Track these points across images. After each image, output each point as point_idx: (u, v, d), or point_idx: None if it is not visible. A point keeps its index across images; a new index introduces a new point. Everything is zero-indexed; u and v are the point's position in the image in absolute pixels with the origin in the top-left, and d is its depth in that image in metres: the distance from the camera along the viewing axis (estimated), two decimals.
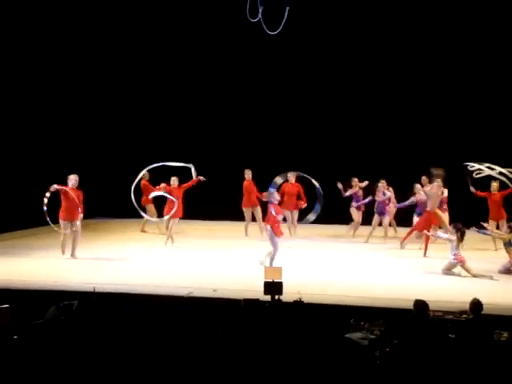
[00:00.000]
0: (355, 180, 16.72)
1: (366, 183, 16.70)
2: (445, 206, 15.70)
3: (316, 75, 19.32)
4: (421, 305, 8.58)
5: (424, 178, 15.98)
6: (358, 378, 7.28)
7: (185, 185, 15.64)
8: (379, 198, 16.32)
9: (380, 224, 16.52)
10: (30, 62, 18.33)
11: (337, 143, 19.30)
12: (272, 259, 12.83)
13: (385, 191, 16.36)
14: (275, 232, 12.83)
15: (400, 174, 17.08)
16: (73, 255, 13.97)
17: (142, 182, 16.66)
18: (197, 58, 19.84)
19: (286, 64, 19.28)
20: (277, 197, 13.26)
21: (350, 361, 7.60)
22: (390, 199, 16.48)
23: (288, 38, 16.96)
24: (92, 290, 9.82)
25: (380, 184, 16.38)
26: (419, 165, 16.63)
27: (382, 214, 16.39)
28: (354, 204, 16.63)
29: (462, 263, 12.63)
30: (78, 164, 18.98)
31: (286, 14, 14.65)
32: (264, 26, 14.84)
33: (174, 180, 15.63)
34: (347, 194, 16.61)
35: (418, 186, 15.93)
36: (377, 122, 19.13)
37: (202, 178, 15.67)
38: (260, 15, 14.62)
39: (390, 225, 16.77)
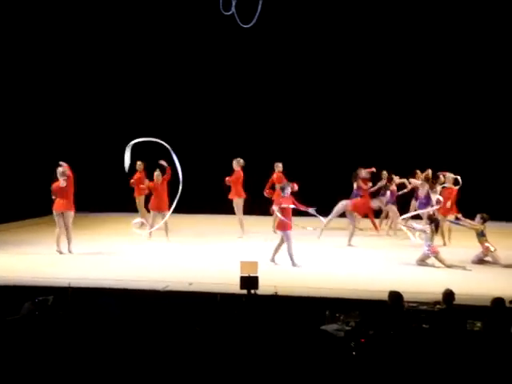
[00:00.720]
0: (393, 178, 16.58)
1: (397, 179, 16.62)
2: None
3: (313, 67, 19.37)
4: (395, 296, 8.66)
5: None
6: (334, 370, 7.33)
7: (165, 177, 15.52)
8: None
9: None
10: (30, 57, 18.47)
11: (336, 135, 19.39)
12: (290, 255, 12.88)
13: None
14: (285, 225, 12.82)
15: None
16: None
17: (137, 174, 16.52)
18: (183, 53, 19.82)
19: (281, 54, 19.33)
20: (290, 189, 13.17)
21: (326, 352, 7.65)
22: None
23: (279, 28, 17.10)
24: (67, 285, 9.79)
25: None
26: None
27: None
28: (385, 198, 16.27)
29: (435, 254, 12.75)
30: (68, 157, 19.06)
31: (260, 7, 14.65)
32: (237, 19, 14.82)
33: (158, 175, 15.51)
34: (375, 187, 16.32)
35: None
36: (378, 111, 19.25)
37: (163, 162, 15.34)
38: (233, 8, 14.59)
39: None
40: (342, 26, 18.86)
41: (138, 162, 16.33)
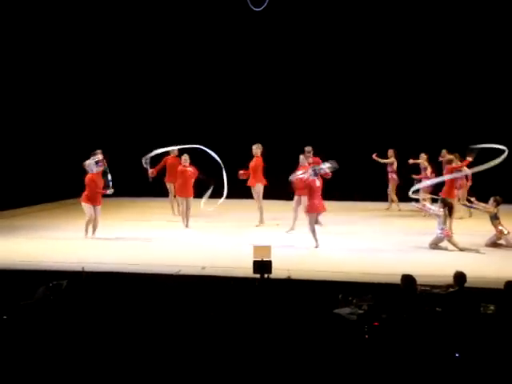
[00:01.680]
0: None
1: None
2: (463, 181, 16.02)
3: (326, 53, 19.32)
4: (408, 279, 8.65)
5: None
6: (347, 353, 7.34)
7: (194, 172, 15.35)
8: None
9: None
10: (40, 55, 18.60)
11: (349, 119, 19.35)
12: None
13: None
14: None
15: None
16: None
17: (170, 158, 16.33)
18: (195, 40, 19.82)
19: (277, 41, 19.25)
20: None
21: (339, 336, 7.66)
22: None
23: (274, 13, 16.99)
24: (81, 269, 9.84)
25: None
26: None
27: None
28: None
29: (448, 237, 12.72)
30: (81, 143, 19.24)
31: None
32: (249, 3, 14.80)
33: (186, 160, 15.22)
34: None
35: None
36: (391, 95, 19.20)
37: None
38: None
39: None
40: (353, 16, 18.83)
41: (172, 148, 16.13)
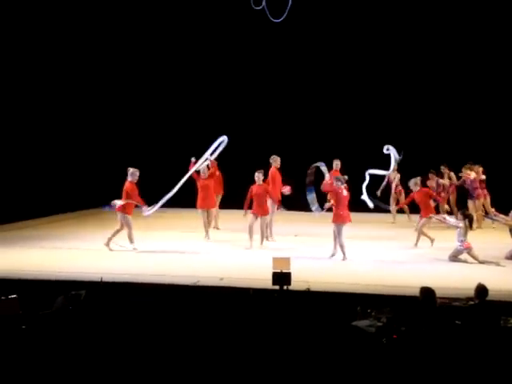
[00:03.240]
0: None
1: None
2: (483, 192, 16.24)
3: (330, 64, 19.30)
4: (427, 292, 8.58)
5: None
6: (365, 365, 7.29)
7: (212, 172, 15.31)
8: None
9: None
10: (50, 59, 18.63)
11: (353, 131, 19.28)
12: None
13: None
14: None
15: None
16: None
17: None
18: (211, 48, 19.88)
19: (295, 52, 19.29)
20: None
21: (357, 348, 7.61)
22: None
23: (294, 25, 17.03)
24: (99, 279, 9.85)
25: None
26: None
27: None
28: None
29: (468, 250, 12.62)
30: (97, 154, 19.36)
31: (290, 1, 14.62)
32: (268, 14, 14.81)
33: (204, 170, 15.12)
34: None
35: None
36: (396, 110, 19.10)
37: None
38: (264, 3, 14.58)
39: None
40: (365, 28, 18.83)
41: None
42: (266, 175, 14.81)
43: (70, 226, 17.07)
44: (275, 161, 15.13)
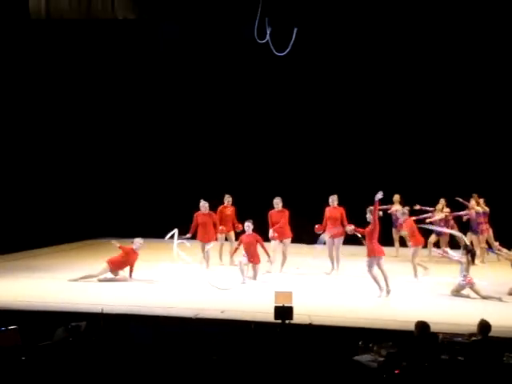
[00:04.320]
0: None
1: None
2: (486, 226, 16.19)
3: (330, 94, 19.35)
4: (422, 326, 8.56)
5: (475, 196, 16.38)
6: None
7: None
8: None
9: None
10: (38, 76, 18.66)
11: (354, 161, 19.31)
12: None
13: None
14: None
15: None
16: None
17: (228, 208, 15.89)
18: (204, 79, 19.91)
19: (299, 85, 19.31)
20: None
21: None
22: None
23: (297, 58, 17.11)
24: (100, 311, 9.82)
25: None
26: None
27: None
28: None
29: (471, 285, 12.57)
30: (85, 183, 19.35)
31: (294, 35, 14.72)
32: (272, 47, 14.91)
33: (204, 205, 15.27)
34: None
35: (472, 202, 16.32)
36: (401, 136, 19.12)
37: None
38: (268, 36, 14.69)
39: None
40: (356, 52, 18.94)
41: (227, 195, 15.91)
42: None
43: (70, 257, 17.02)
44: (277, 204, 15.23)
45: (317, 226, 14.92)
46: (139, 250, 14.27)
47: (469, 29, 17.98)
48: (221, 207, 15.78)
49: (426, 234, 16.41)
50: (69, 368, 7.72)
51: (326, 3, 16.73)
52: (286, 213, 15.16)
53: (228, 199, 15.85)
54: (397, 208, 16.87)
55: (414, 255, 14.39)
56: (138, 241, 14.30)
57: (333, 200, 15.00)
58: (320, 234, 14.79)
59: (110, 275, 14.00)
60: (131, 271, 14.15)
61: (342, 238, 14.84)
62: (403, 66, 18.74)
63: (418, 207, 16.59)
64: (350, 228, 13.37)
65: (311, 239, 15.36)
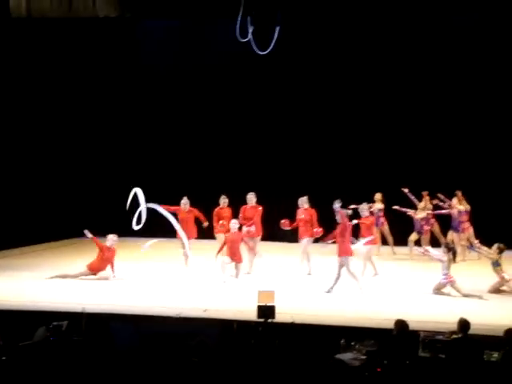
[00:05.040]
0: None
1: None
2: (467, 225, 16.24)
3: (315, 93, 19.34)
4: (401, 324, 8.60)
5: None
6: None
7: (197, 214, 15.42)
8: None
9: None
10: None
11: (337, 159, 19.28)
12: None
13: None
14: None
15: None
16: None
17: (225, 209, 15.49)
18: (189, 79, 19.90)
19: (283, 84, 19.29)
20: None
21: (340, 382, 7.56)
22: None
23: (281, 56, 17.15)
24: (82, 310, 9.78)
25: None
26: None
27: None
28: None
29: (452, 283, 12.64)
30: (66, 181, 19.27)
31: (277, 33, 14.72)
32: (254, 46, 14.89)
33: (185, 203, 15.22)
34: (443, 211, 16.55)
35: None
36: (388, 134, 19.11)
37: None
38: (250, 35, 14.67)
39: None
40: (356, 53, 18.96)
41: (223, 196, 15.54)
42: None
43: (51, 256, 16.94)
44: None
45: (282, 222, 14.89)
46: (115, 247, 14.23)
47: (455, 26, 18.19)
48: (217, 209, 15.35)
49: (407, 232, 16.52)
50: (50, 368, 7.68)
51: (309, 1, 16.74)
52: (260, 209, 15.12)
53: (224, 200, 15.39)
54: (378, 207, 16.93)
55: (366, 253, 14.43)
56: (112, 237, 14.23)
57: (302, 202, 14.86)
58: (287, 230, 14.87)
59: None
60: (112, 268, 14.09)
61: (311, 239, 14.80)
62: (386, 64, 18.79)
63: (396, 207, 16.64)
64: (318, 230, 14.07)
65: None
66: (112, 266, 14.14)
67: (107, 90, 20.15)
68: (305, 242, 14.67)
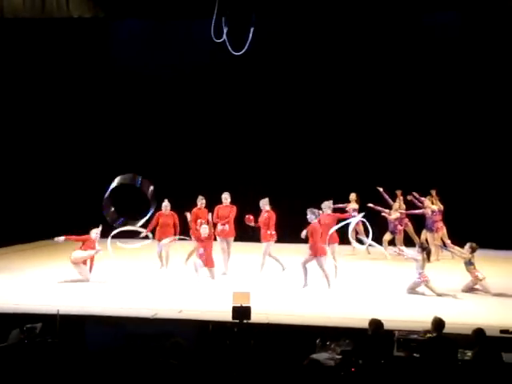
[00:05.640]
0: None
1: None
2: (441, 224, 16.35)
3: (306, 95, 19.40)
4: (375, 324, 8.65)
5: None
6: None
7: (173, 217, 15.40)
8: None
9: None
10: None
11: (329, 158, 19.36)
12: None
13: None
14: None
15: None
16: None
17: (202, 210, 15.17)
18: (173, 81, 19.87)
19: (274, 82, 19.37)
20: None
21: (315, 382, 7.58)
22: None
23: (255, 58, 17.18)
24: (56, 312, 9.72)
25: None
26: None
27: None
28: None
29: (426, 282, 12.73)
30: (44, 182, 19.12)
31: (251, 34, 14.71)
32: (229, 47, 14.88)
33: (166, 206, 15.24)
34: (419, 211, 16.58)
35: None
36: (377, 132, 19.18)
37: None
38: (225, 36, 14.66)
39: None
40: (336, 52, 19.01)
41: (200, 197, 15.27)
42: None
43: (25, 258, 16.80)
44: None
45: (247, 217, 14.81)
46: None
47: (434, 27, 18.37)
48: (195, 210, 15.14)
49: (381, 232, 16.58)
50: (24, 370, 7.63)
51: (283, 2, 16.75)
52: (234, 209, 15.06)
53: (202, 201, 15.16)
54: (353, 206, 17.01)
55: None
56: (95, 231, 14.10)
57: (263, 204, 14.72)
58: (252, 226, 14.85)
59: (70, 276, 13.82)
60: (92, 264, 13.99)
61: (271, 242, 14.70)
62: (361, 64, 18.90)
63: (371, 205, 16.71)
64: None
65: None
66: (92, 263, 14.02)
67: (83, 91, 20.09)
68: (265, 245, 14.58)
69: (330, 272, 13.46)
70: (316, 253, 13.10)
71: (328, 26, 18.59)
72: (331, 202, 14.60)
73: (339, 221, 14.19)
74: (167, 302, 11.99)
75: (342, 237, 14.72)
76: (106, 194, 14.37)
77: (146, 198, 14.49)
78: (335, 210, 15.12)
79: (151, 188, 14.43)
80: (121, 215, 14.64)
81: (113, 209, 14.63)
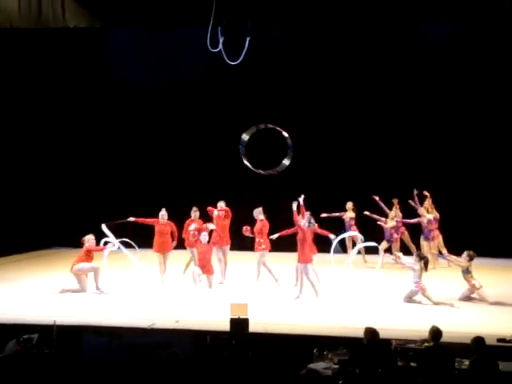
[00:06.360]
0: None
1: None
2: (437, 232, 16.39)
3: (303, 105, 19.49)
4: (371, 333, 8.64)
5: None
6: None
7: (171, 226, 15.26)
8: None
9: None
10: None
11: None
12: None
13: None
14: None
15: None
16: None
17: (196, 221, 15.19)
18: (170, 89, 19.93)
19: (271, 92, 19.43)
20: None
21: None
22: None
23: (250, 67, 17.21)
24: (52, 322, 9.69)
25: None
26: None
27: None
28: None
29: (423, 291, 12.72)
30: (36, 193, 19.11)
31: (247, 44, 14.73)
32: (225, 56, 14.90)
33: (163, 215, 15.08)
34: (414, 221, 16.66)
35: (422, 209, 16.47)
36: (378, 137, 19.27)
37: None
38: (221, 46, 14.67)
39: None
40: (335, 63, 19.08)
41: (194, 208, 15.29)
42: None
43: (21, 268, 16.76)
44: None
45: (244, 228, 14.76)
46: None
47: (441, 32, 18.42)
48: (188, 221, 15.13)
49: (378, 240, 16.55)
50: (21, 382, 7.61)
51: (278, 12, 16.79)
52: (229, 216, 15.08)
53: (195, 213, 15.16)
54: (350, 215, 17.02)
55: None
56: (89, 237, 14.07)
57: (257, 213, 14.65)
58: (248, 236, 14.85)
59: (67, 287, 13.79)
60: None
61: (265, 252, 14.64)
62: (353, 73, 19.00)
63: (367, 213, 16.74)
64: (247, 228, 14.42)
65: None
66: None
67: (78, 101, 20.10)
68: (259, 255, 14.54)
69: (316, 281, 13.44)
70: (300, 259, 13.11)
71: (324, 35, 18.64)
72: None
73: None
74: (164, 312, 11.96)
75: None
76: None
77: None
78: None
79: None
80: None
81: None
